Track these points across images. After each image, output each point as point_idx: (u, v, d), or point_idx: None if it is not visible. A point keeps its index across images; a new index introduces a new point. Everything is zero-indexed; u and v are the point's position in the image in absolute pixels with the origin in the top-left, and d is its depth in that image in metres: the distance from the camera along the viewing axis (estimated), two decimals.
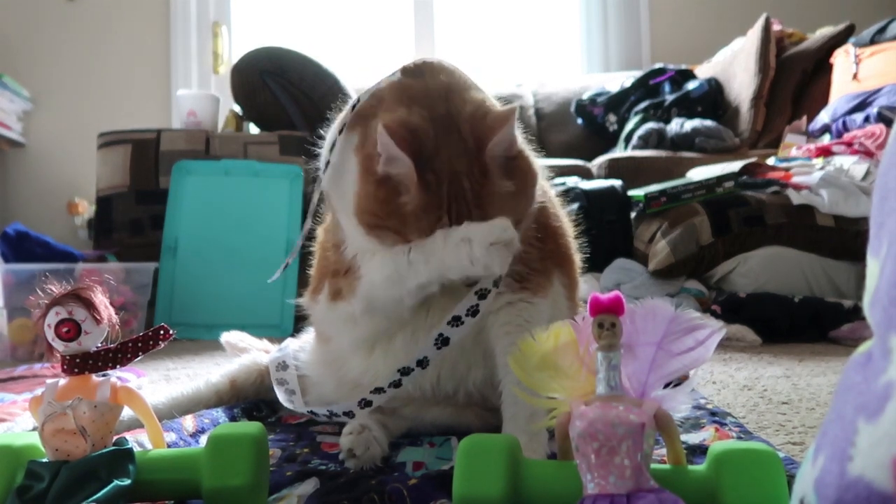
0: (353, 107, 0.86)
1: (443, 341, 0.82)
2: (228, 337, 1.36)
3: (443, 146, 0.78)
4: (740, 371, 1.48)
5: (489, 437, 0.64)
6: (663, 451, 0.63)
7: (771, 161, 2.55)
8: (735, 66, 3.27)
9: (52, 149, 3.83)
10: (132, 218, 2.58)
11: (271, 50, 2.72)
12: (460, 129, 0.79)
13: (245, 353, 1.25)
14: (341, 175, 0.86)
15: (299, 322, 1.16)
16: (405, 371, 0.85)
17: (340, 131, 0.86)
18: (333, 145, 0.87)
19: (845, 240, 2.15)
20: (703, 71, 3.44)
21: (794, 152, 2.66)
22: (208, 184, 2.54)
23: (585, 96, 3.45)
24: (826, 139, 2.69)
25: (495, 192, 0.78)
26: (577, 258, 1.00)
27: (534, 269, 0.86)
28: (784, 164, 2.47)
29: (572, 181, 2.50)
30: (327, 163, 0.88)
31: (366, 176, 0.80)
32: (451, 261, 0.77)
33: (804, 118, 2.89)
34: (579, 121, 3.47)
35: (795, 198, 2.21)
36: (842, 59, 2.84)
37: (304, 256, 1.09)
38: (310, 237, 1.03)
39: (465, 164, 0.77)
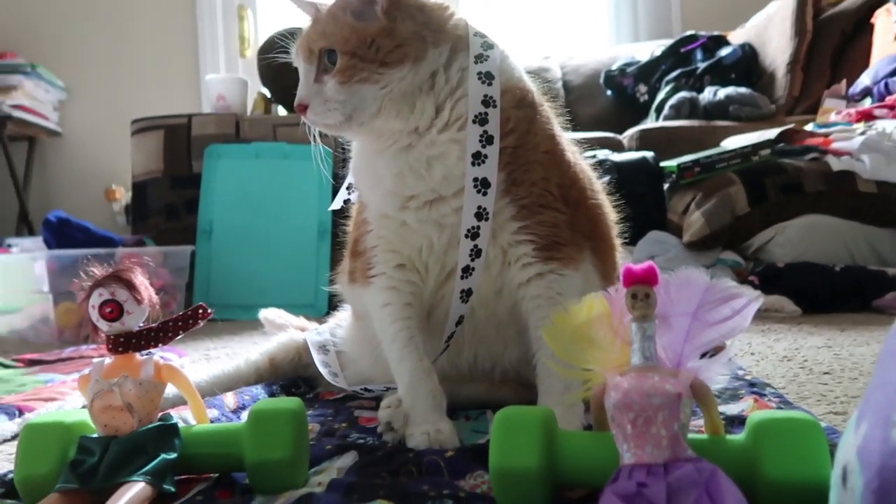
0: None
1: (467, 293, 0.85)
2: (266, 314, 1.39)
3: None
4: (779, 342, 1.46)
5: (524, 409, 0.64)
6: (701, 422, 0.62)
7: (809, 127, 2.48)
8: (770, 29, 3.17)
9: (87, 137, 3.91)
10: (167, 203, 2.62)
11: (297, 31, 2.72)
12: None
13: (283, 329, 1.28)
14: None
15: (333, 301, 1.18)
16: (449, 337, 0.88)
17: None
18: None
19: (888, 206, 2.09)
20: (737, 36, 3.34)
21: (833, 117, 2.58)
22: (239, 167, 2.57)
23: (614, 67, 3.39)
24: (867, 103, 2.60)
25: None
26: (617, 244, 0.99)
27: (563, 239, 0.86)
28: (823, 130, 2.40)
29: (603, 154, 2.46)
30: None
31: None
32: None
33: (843, 82, 2.80)
34: (609, 92, 3.41)
35: (835, 164, 2.15)
36: (883, 19, 2.73)
37: (336, 237, 1.10)
38: (345, 216, 1.04)
39: None
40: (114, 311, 0.69)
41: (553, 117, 0.92)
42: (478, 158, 0.81)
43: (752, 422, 0.60)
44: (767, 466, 0.56)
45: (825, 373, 1.14)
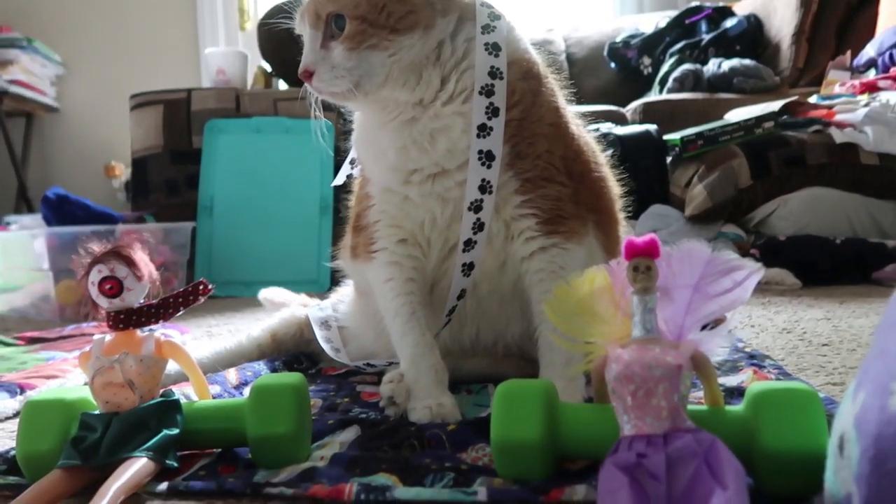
0: None
1: (469, 267, 0.85)
2: (266, 293, 1.39)
3: None
4: (779, 314, 1.46)
5: (526, 382, 0.65)
6: (701, 394, 0.63)
7: (813, 99, 2.45)
8: (776, 0, 3.13)
9: (86, 112, 3.88)
10: (167, 178, 2.61)
11: (297, 3, 2.69)
12: None
13: (283, 307, 1.28)
14: None
15: (336, 277, 1.18)
16: (451, 311, 0.88)
17: None
18: None
19: (890, 178, 2.08)
20: (742, 7, 3.30)
21: (837, 89, 2.55)
22: (240, 142, 2.55)
23: (619, 39, 3.35)
24: (871, 74, 2.57)
25: None
26: (621, 217, 0.98)
27: (566, 213, 0.85)
28: (827, 102, 2.38)
29: (606, 127, 2.45)
30: None
31: None
32: None
33: (848, 53, 2.76)
34: (612, 65, 3.37)
35: (838, 136, 2.13)
36: None
37: (339, 212, 1.10)
38: (348, 191, 1.03)
39: None
40: (113, 287, 0.68)
41: (558, 90, 0.91)
42: (483, 130, 0.80)
43: (750, 393, 0.60)
44: (766, 437, 0.56)
45: (824, 344, 1.14)
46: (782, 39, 3.03)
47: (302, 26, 0.84)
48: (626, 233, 0.98)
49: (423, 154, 0.83)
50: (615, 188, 0.98)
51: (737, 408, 0.61)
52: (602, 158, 0.97)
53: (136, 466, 0.61)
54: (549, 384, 0.64)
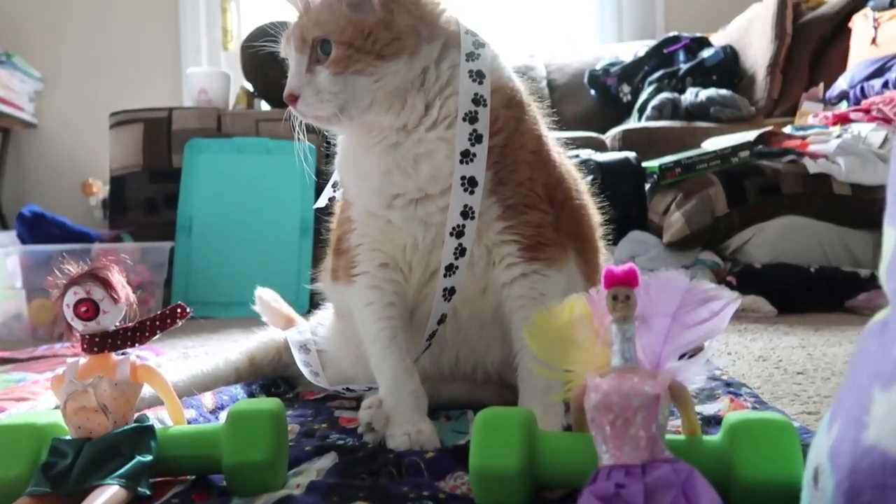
0: None
1: (450, 292, 0.85)
2: (262, 293, 1.35)
3: None
4: (755, 342, 1.48)
5: (505, 410, 0.65)
6: (678, 422, 0.63)
7: (787, 129, 2.51)
8: (751, 32, 3.20)
9: (64, 129, 3.84)
10: (146, 197, 2.59)
11: (281, 24, 2.70)
12: None
13: (274, 313, 1.27)
14: None
15: (315, 300, 1.17)
16: (431, 336, 0.88)
17: None
18: None
19: (862, 208, 2.12)
20: (719, 38, 3.37)
21: (810, 120, 2.62)
22: (221, 162, 2.54)
23: (598, 66, 3.40)
24: (843, 106, 2.64)
25: None
26: (601, 245, 0.99)
27: (547, 239, 0.86)
28: (801, 133, 2.44)
29: (586, 153, 2.47)
30: None
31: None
32: None
33: (821, 85, 2.84)
34: (592, 92, 3.43)
35: (812, 167, 2.18)
36: (860, 24, 2.77)
37: (319, 234, 1.09)
38: (329, 213, 1.03)
39: None
40: (89, 310, 0.67)
41: (540, 117, 0.92)
42: (466, 157, 0.81)
43: (727, 423, 0.61)
44: (742, 467, 0.57)
45: (799, 373, 1.16)
46: (757, 70, 3.10)
47: (287, 50, 0.85)
48: (606, 260, 0.99)
49: (406, 179, 0.83)
50: (596, 216, 0.99)
51: (714, 438, 0.62)
52: (583, 186, 0.98)
53: (108, 494, 0.59)
54: (529, 413, 0.64)
